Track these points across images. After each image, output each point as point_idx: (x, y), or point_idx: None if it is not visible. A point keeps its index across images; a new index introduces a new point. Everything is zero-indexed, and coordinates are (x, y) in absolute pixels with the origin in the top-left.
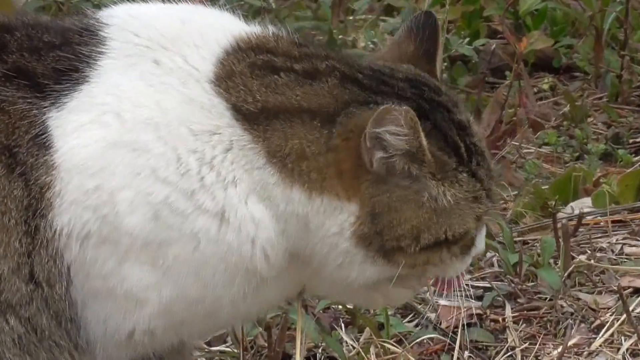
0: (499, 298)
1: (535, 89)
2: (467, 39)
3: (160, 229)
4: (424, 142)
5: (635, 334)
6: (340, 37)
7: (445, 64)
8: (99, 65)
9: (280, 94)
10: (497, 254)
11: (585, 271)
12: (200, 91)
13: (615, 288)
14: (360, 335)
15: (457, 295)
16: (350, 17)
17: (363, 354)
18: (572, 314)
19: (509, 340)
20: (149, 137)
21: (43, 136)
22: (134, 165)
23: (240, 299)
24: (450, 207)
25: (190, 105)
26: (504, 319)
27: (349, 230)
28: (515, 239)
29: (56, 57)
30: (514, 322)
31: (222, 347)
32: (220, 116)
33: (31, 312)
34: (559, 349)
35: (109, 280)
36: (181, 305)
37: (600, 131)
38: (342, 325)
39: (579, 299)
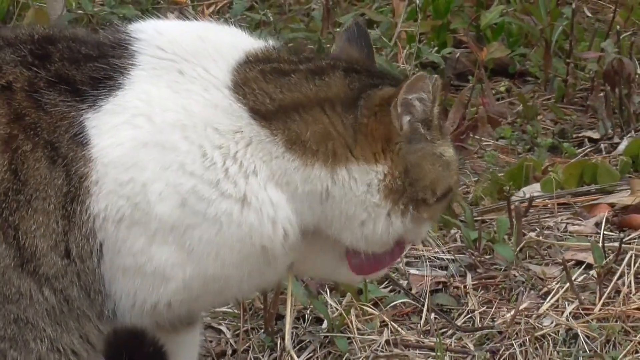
0: (461, 268)
1: (493, 91)
2: (436, 48)
3: (187, 214)
4: (436, 109)
5: (577, 300)
6: (328, 46)
7: (417, 69)
8: (130, 75)
9: (295, 91)
10: (460, 231)
11: (534, 246)
12: (221, 96)
13: (560, 261)
14: (343, 299)
15: (426, 266)
16: (338, 29)
17: (345, 314)
18: (523, 282)
19: (469, 304)
20: (177, 137)
21: (81, 135)
22: (164, 161)
23: (247, 278)
24: (448, 163)
25: (214, 108)
26: (465, 286)
27: (377, 186)
28: (475, 219)
29: (93, 68)
30: (474, 289)
31: (224, 309)
32: (240, 117)
33: (64, 284)
34: (512, 312)
35: (138, 258)
36: (200, 282)
37: (548, 127)
38: (327, 290)
39: (529, 270)
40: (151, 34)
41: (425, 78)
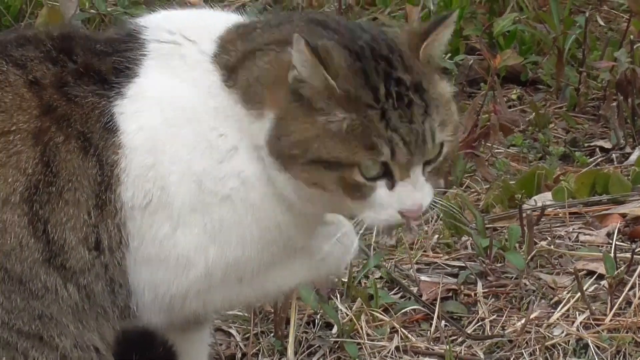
0: (472, 276)
1: (505, 99)
2: (449, 55)
3: (204, 195)
4: (328, 77)
5: (588, 310)
6: None
7: None
8: (143, 66)
9: (252, 42)
10: (471, 238)
11: (545, 255)
12: (209, 76)
13: (571, 270)
14: (353, 305)
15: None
16: None
17: (355, 320)
18: (534, 291)
19: (480, 312)
20: (184, 121)
21: (110, 122)
22: (178, 144)
23: (266, 263)
24: (343, 135)
25: (207, 93)
26: (475, 294)
27: (265, 137)
28: (486, 226)
29: (112, 61)
30: (484, 297)
31: (235, 312)
32: (220, 93)
33: (90, 279)
34: (522, 321)
35: (163, 244)
36: (221, 267)
37: (560, 136)
38: (338, 295)
39: (540, 279)
40: (159, 19)
41: (300, 40)
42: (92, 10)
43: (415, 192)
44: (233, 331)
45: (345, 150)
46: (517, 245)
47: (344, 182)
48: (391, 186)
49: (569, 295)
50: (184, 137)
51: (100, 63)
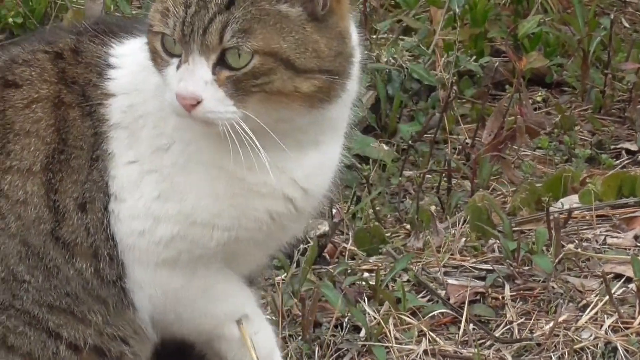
0: (499, 279)
1: (530, 101)
2: (474, 57)
3: None
4: None
5: (616, 313)
6: (365, 52)
7: (455, 77)
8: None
9: None
10: (498, 241)
11: (573, 258)
12: None
13: (599, 273)
14: (381, 308)
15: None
16: (374, 36)
17: (383, 323)
18: (561, 294)
19: (508, 315)
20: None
21: (103, 72)
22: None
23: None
24: None
25: None
26: (503, 297)
27: None
28: (513, 229)
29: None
30: (512, 300)
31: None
32: None
33: (79, 258)
34: (551, 324)
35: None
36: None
37: (586, 138)
38: (365, 298)
39: (567, 282)
40: None
41: None
42: (116, 13)
43: (189, 79)
44: None
45: (155, 12)
46: (544, 248)
47: (152, 49)
48: (178, 68)
49: (597, 298)
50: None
51: (113, 29)
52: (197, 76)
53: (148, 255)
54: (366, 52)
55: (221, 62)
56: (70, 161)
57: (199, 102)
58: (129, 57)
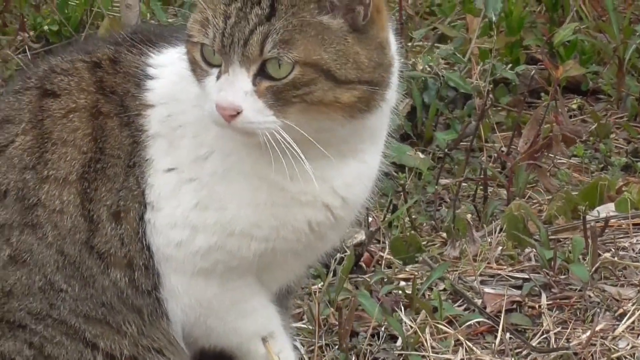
0: (536, 288)
1: (565, 109)
2: (510, 65)
3: None
4: None
5: None
6: (402, 61)
7: (491, 85)
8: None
9: None
10: (535, 250)
11: (609, 267)
12: None
13: (636, 282)
14: (417, 317)
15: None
16: (409, 44)
17: (419, 332)
18: (598, 303)
19: (544, 324)
20: None
21: (142, 82)
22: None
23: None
24: (200, 8)
25: None
26: (539, 306)
27: None
28: (549, 238)
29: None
30: (549, 309)
31: (299, 324)
32: None
33: (114, 271)
34: (587, 334)
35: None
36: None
37: (622, 146)
38: (402, 307)
39: (604, 291)
40: None
41: None
42: (152, 21)
43: (229, 89)
44: (298, 344)
45: (194, 22)
46: (581, 256)
47: (191, 59)
48: (218, 79)
49: (634, 307)
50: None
51: (151, 38)
52: (237, 87)
53: (185, 265)
54: (402, 60)
55: (261, 73)
56: (107, 170)
57: (238, 113)
58: (167, 67)
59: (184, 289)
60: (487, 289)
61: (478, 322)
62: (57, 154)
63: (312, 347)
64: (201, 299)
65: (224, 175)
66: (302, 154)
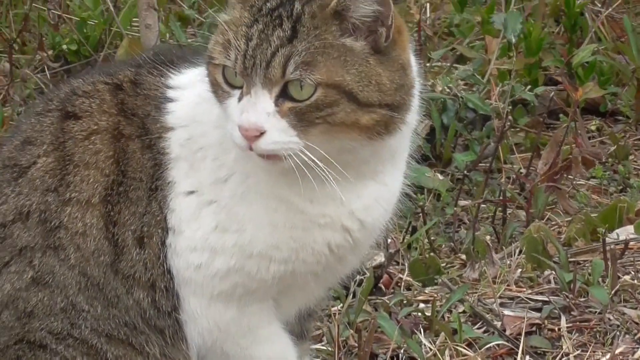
0: (556, 310)
1: (584, 130)
2: (528, 86)
3: None
4: None
5: None
6: (422, 81)
7: (510, 107)
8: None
9: None
10: (554, 272)
11: (629, 289)
12: None
13: None
14: (437, 339)
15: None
16: (428, 64)
17: (439, 355)
18: (618, 326)
19: (564, 347)
20: None
21: (162, 104)
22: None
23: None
24: (222, 30)
25: None
26: (559, 329)
27: None
28: (569, 260)
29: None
30: (568, 332)
31: (318, 346)
32: None
33: (137, 289)
34: (607, 357)
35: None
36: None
37: None
38: (421, 329)
39: (624, 314)
40: None
41: None
42: (171, 41)
43: (252, 110)
44: None
45: (215, 44)
46: (600, 279)
47: (212, 81)
48: (239, 100)
49: None
50: None
51: (173, 59)
52: (259, 108)
53: (203, 288)
54: (422, 81)
55: (283, 94)
56: (129, 193)
57: (262, 134)
58: (187, 88)
59: (203, 312)
60: (506, 312)
61: (498, 345)
62: (79, 176)
63: None
64: (219, 323)
65: (243, 197)
66: (321, 175)
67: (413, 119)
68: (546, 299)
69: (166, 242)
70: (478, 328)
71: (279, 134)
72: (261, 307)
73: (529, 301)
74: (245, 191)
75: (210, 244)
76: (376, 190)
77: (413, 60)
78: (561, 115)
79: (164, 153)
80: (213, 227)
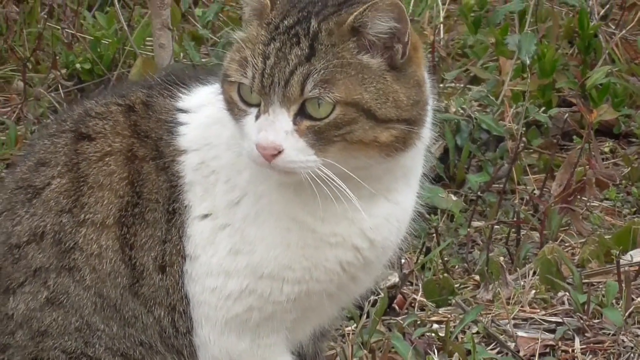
0: (569, 332)
1: (598, 152)
2: (542, 108)
3: None
4: None
5: None
6: (435, 97)
7: (524, 128)
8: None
9: None
10: (568, 294)
11: None
12: None
13: None
14: (451, 359)
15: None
16: (441, 85)
17: None
18: (632, 348)
19: None
20: None
21: (174, 127)
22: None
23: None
24: (238, 47)
25: None
26: (573, 350)
27: None
28: (582, 281)
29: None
30: (582, 354)
31: None
32: None
33: (158, 310)
34: None
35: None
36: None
37: None
38: (435, 350)
39: (638, 335)
40: None
41: None
42: (185, 60)
43: (270, 129)
44: None
45: (231, 61)
46: (614, 301)
47: (228, 99)
48: (257, 118)
49: None
50: None
51: (183, 79)
52: (277, 126)
53: (217, 311)
54: (436, 98)
55: (302, 112)
56: (145, 214)
57: (279, 152)
58: (198, 111)
59: (215, 339)
60: (520, 333)
61: None
62: (93, 198)
63: None
64: (231, 352)
65: (255, 218)
66: (332, 195)
67: (427, 135)
68: (560, 320)
69: (183, 269)
70: (492, 349)
71: (297, 153)
72: (275, 340)
73: (543, 322)
74: (257, 212)
75: (225, 268)
76: (387, 208)
77: (426, 76)
78: (575, 136)
79: (179, 176)
80: (227, 250)
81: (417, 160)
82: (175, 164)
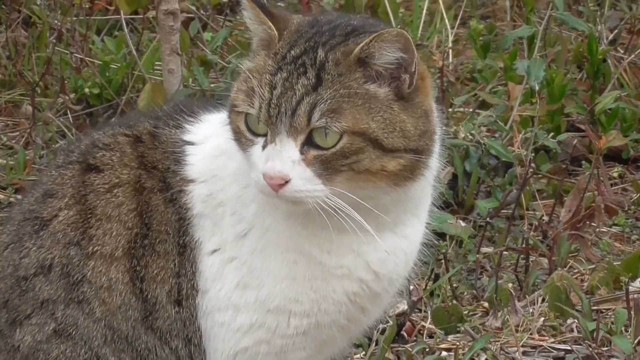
0: None
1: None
2: (551, 133)
3: None
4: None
5: None
6: (443, 128)
7: (533, 154)
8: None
9: None
10: (577, 321)
11: None
12: None
13: None
14: None
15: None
16: (450, 109)
17: None
18: None
19: None
20: None
21: (180, 156)
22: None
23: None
24: (245, 77)
25: None
26: None
27: None
28: (592, 309)
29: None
30: None
31: None
32: None
33: (174, 341)
34: None
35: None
36: None
37: None
38: None
39: None
40: None
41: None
42: (194, 86)
43: (277, 159)
44: None
45: (238, 91)
46: (623, 328)
47: (235, 129)
48: (264, 148)
49: None
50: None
51: (192, 108)
52: (284, 156)
53: (225, 344)
54: (444, 127)
55: (309, 142)
56: (155, 246)
57: (286, 182)
58: (205, 141)
59: None
60: None
61: None
62: (101, 230)
63: None
64: None
65: (262, 251)
66: (337, 227)
67: (435, 165)
68: (569, 347)
69: (196, 302)
70: None
71: (304, 182)
72: None
73: (552, 350)
74: (264, 245)
75: (233, 302)
76: (394, 242)
77: (434, 106)
78: (584, 161)
79: (187, 209)
80: (235, 284)
81: (426, 190)
82: (183, 195)
